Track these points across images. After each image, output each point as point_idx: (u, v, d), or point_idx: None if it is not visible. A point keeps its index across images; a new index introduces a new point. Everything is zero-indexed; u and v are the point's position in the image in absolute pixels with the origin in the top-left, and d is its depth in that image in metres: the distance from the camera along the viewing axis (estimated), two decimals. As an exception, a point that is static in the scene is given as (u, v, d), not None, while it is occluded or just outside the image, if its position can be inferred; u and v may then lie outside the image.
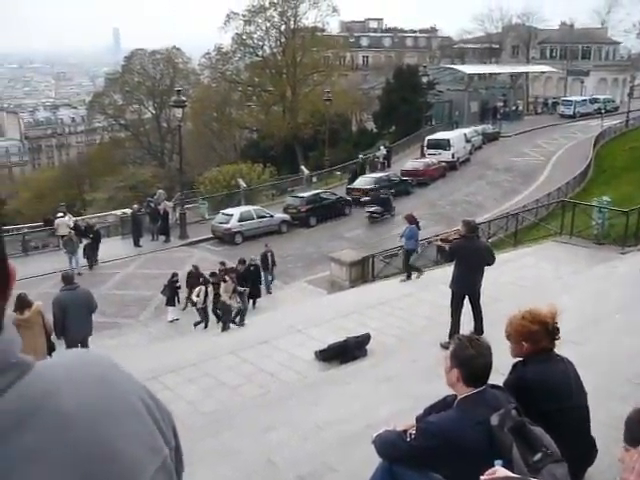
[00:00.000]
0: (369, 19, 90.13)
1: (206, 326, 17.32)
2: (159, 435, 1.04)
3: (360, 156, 40.04)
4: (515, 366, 4.29)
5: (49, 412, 0.88)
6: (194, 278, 19.21)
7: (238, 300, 16.68)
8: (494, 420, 3.39)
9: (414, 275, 16.47)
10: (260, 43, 56.32)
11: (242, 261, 18.70)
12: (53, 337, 10.39)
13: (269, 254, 20.97)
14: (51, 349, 10.05)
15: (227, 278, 16.80)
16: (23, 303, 9.81)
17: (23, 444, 0.83)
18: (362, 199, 31.34)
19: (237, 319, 16.37)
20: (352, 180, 35.51)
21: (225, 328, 16.14)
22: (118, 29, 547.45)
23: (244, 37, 55.46)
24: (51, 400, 0.89)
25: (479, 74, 62.22)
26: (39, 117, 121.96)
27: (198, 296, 17.39)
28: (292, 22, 55.28)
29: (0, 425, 0.83)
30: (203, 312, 17.42)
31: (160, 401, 1.11)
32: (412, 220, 17.33)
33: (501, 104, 59.19)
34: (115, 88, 63.99)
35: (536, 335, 4.14)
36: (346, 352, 10.62)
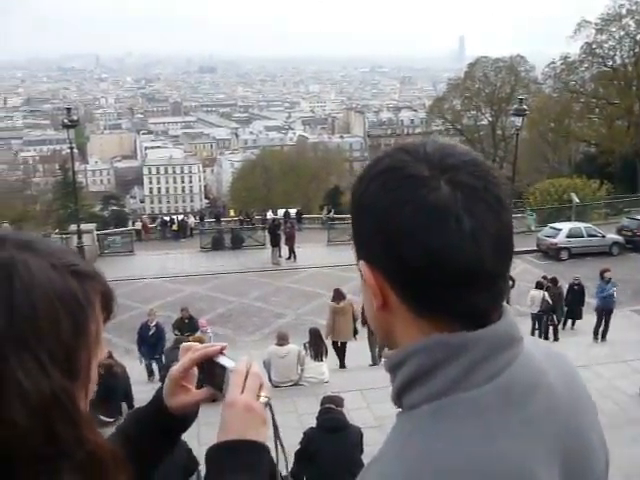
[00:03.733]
0: None
1: (540, 334, 16.48)
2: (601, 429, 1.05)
3: None
4: None
5: (544, 387, 0.94)
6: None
7: None
8: None
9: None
10: (611, 53, 53.06)
11: None
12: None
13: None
14: (355, 332, 13.67)
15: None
16: (340, 295, 13.81)
17: (529, 411, 0.90)
18: None
19: None
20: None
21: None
22: (463, 37, 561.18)
23: (594, 46, 52.82)
24: (544, 377, 0.95)
25: None
26: (382, 117, 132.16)
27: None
28: (651, 30, 51.30)
29: (516, 390, 0.90)
30: (537, 320, 16.73)
31: None
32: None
33: None
34: (455, 94, 65.51)
35: None
36: (675, 393, 10.07)
